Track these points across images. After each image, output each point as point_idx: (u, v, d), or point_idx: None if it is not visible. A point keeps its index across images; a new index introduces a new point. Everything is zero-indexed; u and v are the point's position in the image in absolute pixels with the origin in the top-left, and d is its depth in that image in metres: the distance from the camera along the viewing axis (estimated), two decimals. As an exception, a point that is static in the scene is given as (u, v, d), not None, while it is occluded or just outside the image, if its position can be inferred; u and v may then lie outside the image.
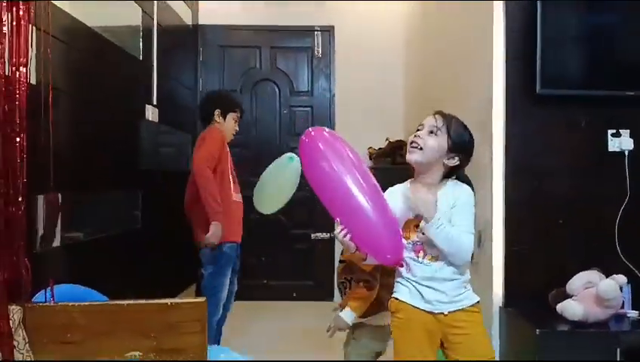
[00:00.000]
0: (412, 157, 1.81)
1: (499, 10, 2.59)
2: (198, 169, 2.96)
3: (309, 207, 4.52)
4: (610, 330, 2.28)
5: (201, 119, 3.35)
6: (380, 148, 4.49)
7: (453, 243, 1.71)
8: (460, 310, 1.78)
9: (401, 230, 1.77)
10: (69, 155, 2.28)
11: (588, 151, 2.59)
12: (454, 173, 1.86)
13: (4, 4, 1.63)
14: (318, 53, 4.75)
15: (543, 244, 2.59)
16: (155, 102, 3.47)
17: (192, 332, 1.78)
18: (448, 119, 1.84)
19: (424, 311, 1.78)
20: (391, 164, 4.31)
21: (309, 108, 4.77)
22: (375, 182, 1.71)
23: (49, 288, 1.84)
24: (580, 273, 2.43)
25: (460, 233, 1.72)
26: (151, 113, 3.41)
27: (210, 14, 4.68)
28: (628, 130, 2.56)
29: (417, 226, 1.76)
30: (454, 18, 3.27)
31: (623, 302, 2.39)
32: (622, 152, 2.55)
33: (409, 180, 1.89)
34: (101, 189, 2.69)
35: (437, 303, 1.77)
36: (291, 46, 4.78)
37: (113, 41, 2.86)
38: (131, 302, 1.88)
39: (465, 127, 1.88)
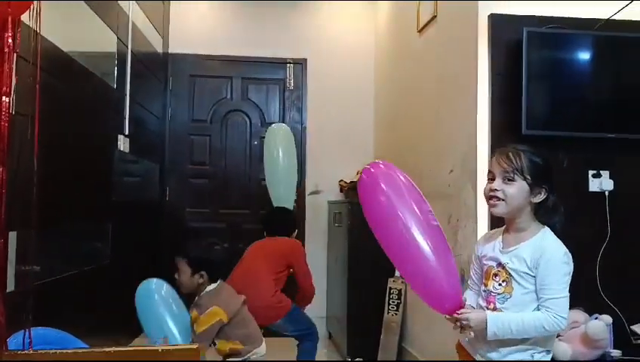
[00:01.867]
0: (497, 210, 1.70)
1: (483, 50, 2.63)
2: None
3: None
4: (599, 371, 2.28)
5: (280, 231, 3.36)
6: (351, 182, 4.47)
7: (525, 330, 1.60)
8: None
9: (483, 276, 1.75)
10: (40, 187, 2.14)
11: (570, 191, 2.63)
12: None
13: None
14: (290, 85, 4.73)
15: (526, 283, 2.59)
16: (127, 132, 3.35)
17: (184, 382, 1.67)
18: (515, 158, 1.68)
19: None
20: (363, 198, 4.29)
21: (280, 140, 4.72)
22: (437, 223, 1.68)
23: (22, 333, 1.71)
24: (565, 312, 2.44)
25: (531, 316, 1.60)
26: (123, 143, 3.30)
27: (181, 43, 4.61)
28: (608, 171, 2.62)
29: (496, 276, 1.70)
30: (433, 55, 3.32)
31: (607, 341, 2.41)
32: (602, 193, 2.61)
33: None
34: (72, 223, 2.55)
35: (486, 355, 1.68)
36: (263, 77, 4.75)
37: (89, 68, 2.76)
38: (118, 348, 1.76)
39: (532, 152, 1.71)
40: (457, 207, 2.81)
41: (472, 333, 1.65)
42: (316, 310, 4.58)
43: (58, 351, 1.65)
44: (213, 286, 2.45)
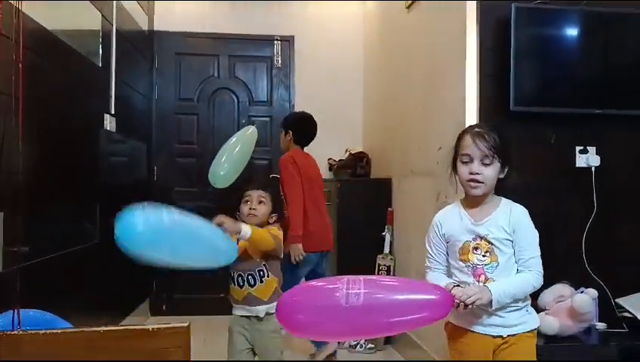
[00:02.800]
0: (477, 192, 1.78)
1: (472, 27, 2.62)
2: None
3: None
4: (585, 344, 2.32)
5: (311, 140, 3.53)
6: (340, 160, 4.47)
7: (521, 291, 1.73)
8: (518, 334, 1.75)
9: (458, 253, 1.77)
10: (26, 168, 2.12)
11: (557, 167, 2.65)
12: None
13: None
14: (277, 62, 4.69)
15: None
16: (113, 111, 3.31)
17: (176, 360, 1.67)
18: (491, 140, 1.76)
19: (483, 334, 1.75)
20: (351, 176, 4.30)
21: (268, 118, 4.70)
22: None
23: (8, 314, 1.70)
24: (551, 287, 2.47)
25: (521, 278, 1.73)
26: (109, 122, 3.26)
27: (167, 20, 4.54)
28: (594, 147, 2.64)
29: (476, 249, 1.75)
30: (422, 32, 3.30)
31: (592, 314, 2.45)
32: (589, 168, 2.63)
33: (459, 200, 1.89)
34: (59, 203, 2.53)
35: (496, 327, 1.74)
36: (250, 55, 4.69)
37: (73, 47, 2.71)
38: (108, 328, 1.76)
39: (498, 132, 1.81)
40: (445, 185, 2.81)
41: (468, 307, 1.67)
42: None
43: (48, 332, 1.65)
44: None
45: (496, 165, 1.77)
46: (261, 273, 2.27)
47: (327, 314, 1.64)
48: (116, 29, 3.39)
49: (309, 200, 3.26)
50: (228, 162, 3.32)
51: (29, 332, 1.65)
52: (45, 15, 2.33)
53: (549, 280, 2.49)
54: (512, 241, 1.75)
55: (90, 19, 3.05)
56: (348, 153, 4.43)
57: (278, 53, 4.69)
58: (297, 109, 4.67)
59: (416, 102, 3.37)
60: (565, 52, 2.59)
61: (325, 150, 4.58)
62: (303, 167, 3.29)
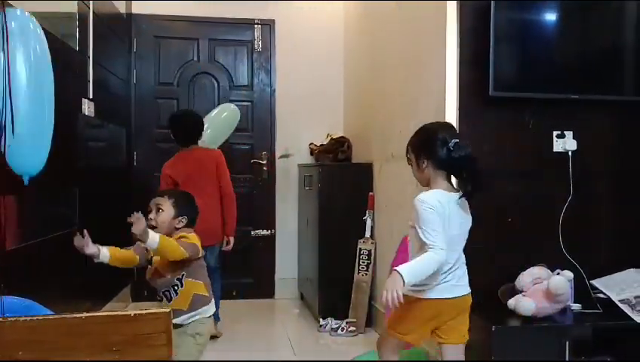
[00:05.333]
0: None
1: (452, 12, 2.63)
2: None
3: (249, 203, 4.45)
4: (560, 324, 2.38)
5: (191, 138, 3.56)
6: (321, 145, 4.47)
7: (426, 266, 1.91)
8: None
9: None
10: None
11: (535, 151, 2.69)
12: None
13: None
14: (258, 47, 4.66)
15: (492, 242, 2.66)
16: (91, 96, 3.27)
17: (157, 345, 1.68)
18: (411, 145, 2.11)
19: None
20: (332, 161, 4.31)
21: (249, 103, 4.67)
22: None
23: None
24: (529, 269, 2.52)
25: (423, 256, 1.92)
26: (87, 107, 3.22)
27: (145, 3, 4.47)
28: (571, 132, 2.68)
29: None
30: (403, 15, 3.30)
31: (567, 295, 2.51)
32: (566, 153, 2.67)
33: None
34: (37, 188, 2.50)
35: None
36: (231, 39, 4.65)
37: (49, 30, 2.66)
38: (90, 314, 1.76)
39: (418, 131, 2.12)
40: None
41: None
42: (288, 272, 4.65)
43: (28, 318, 1.64)
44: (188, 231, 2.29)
45: (415, 164, 2.08)
46: (175, 287, 2.22)
47: None
48: (93, 12, 3.33)
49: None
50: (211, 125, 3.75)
51: (9, 318, 1.64)
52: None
53: (526, 263, 2.57)
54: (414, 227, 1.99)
55: (66, 2, 3.00)
56: (329, 138, 4.44)
57: (258, 37, 4.65)
58: (278, 94, 4.68)
59: (397, 87, 3.39)
60: (543, 37, 2.61)
61: (307, 134, 4.60)
62: (174, 167, 3.48)
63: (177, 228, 2.27)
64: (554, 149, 2.68)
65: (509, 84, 2.56)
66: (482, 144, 2.63)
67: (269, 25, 4.67)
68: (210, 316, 2.31)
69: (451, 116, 2.63)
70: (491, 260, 2.64)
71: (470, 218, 2.08)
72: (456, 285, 2.03)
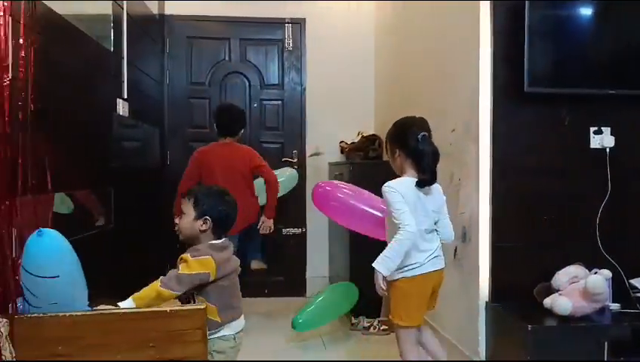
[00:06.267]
0: None
1: (485, 9, 2.59)
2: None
3: (280, 201, 4.46)
4: (598, 324, 2.33)
5: (233, 130, 3.73)
6: (352, 142, 4.46)
7: (396, 249, 2.17)
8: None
9: None
10: (41, 154, 2.13)
11: (571, 148, 2.63)
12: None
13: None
14: (288, 45, 4.67)
15: (527, 240, 2.62)
16: (125, 96, 3.33)
17: (192, 341, 1.70)
18: (388, 136, 2.38)
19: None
20: (363, 158, 4.29)
21: (279, 102, 4.69)
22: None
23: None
24: (566, 268, 2.48)
25: (390, 245, 2.19)
26: (121, 107, 3.27)
27: (177, 4, 4.52)
28: (609, 128, 2.62)
29: None
30: (434, 14, 3.26)
31: (605, 295, 2.45)
32: (603, 149, 2.61)
33: None
34: (74, 188, 2.56)
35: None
36: (261, 38, 4.67)
37: (85, 32, 2.72)
38: (127, 310, 1.79)
39: (394, 124, 2.38)
40: (459, 166, 2.82)
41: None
42: (319, 270, 4.66)
43: (67, 314, 1.68)
44: (218, 241, 2.10)
45: (391, 152, 2.34)
46: (188, 302, 2.04)
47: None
48: (127, 13, 3.38)
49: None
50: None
51: (50, 314, 1.68)
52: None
53: (562, 262, 2.52)
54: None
55: (100, 4, 3.05)
56: (360, 135, 4.42)
57: (289, 35, 4.66)
58: (309, 92, 4.68)
59: (428, 84, 3.36)
60: (579, 32, 2.55)
61: (337, 132, 4.59)
62: (207, 154, 3.64)
63: (203, 231, 2.07)
64: (591, 146, 2.62)
65: (544, 79, 2.51)
66: (517, 141, 2.60)
67: (299, 23, 4.67)
68: (231, 335, 2.09)
69: (485, 113, 2.59)
70: (527, 259, 2.60)
71: (442, 197, 2.34)
72: (438, 256, 2.29)
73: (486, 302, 2.62)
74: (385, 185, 2.22)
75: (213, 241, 2.09)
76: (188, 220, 2.08)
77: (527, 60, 2.45)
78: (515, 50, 2.50)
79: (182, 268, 1.97)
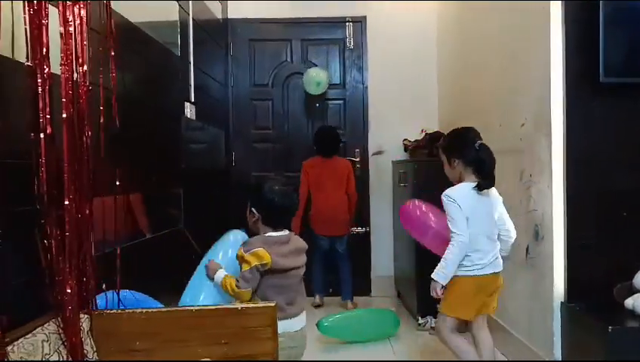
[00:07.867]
0: None
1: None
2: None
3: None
4: (684, 326, 2.19)
5: (330, 151, 4.21)
6: (415, 140, 4.40)
7: (449, 259, 2.30)
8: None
9: None
10: (118, 155, 2.21)
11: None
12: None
13: (69, 3, 1.57)
14: (350, 44, 4.66)
15: (605, 238, 2.50)
16: (192, 99, 3.41)
17: (263, 339, 1.72)
18: (440, 145, 2.56)
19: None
20: (427, 156, 4.22)
21: (341, 101, 4.69)
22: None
23: (106, 294, 1.80)
24: (647, 267, 2.35)
25: (444, 257, 2.32)
26: (189, 110, 3.36)
27: (240, 8, 4.60)
28: (692, 119, 2.46)
29: None
30: (501, 7, 3.17)
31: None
32: (688, 140, 2.46)
33: None
34: (149, 189, 2.65)
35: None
36: (322, 38, 4.69)
37: (154, 37, 2.81)
38: (200, 307, 1.84)
39: (448, 135, 2.58)
40: (530, 162, 2.73)
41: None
42: (384, 269, 4.62)
43: (144, 310, 1.74)
44: (274, 235, 2.12)
45: (447, 162, 2.45)
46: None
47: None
48: (192, 19, 3.47)
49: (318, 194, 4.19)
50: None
51: (127, 311, 1.74)
52: (127, 8, 2.42)
53: (643, 261, 2.39)
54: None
55: (168, 10, 3.14)
56: (423, 133, 4.36)
57: (350, 34, 4.66)
58: (371, 91, 4.65)
59: (494, 79, 3.26)
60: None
61: (400, 130, 4.54)
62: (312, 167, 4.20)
63: (254, 223, 2.16)
64: (674, 137, 2.48)
65: (620, 69, 2.39)
66: (593, 134, 2.49)
67: (360, 22, 4.65)
68: (292, 332, 2.10)
69: (557, 105, 2.50)
70: (605, 257, 2.48)
71: (499, 199, 2.43)
72: (497, 259, 2.37)
73: (561, 302, 2.52)
74: (444, 193, 2.34)
75: (270, 234, 2.14)
76: (251, 219, 2.19)
77: (602, 49, 2.34)
78: (589, 40, 2.39)
79: (243, 267, 2.06)
